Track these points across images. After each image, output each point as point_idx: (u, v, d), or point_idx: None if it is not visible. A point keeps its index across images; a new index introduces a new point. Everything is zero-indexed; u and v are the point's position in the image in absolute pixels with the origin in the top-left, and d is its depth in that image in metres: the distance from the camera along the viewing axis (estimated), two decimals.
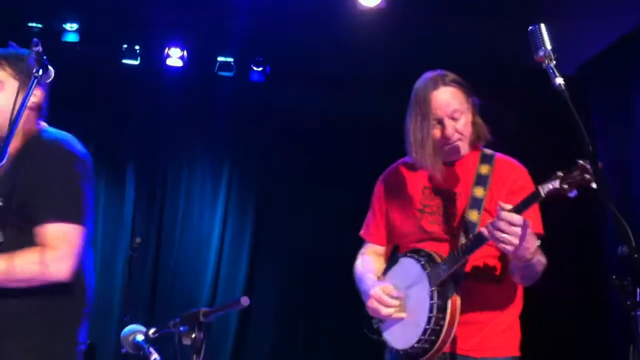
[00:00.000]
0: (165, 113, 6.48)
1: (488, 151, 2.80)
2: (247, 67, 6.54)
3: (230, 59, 6.50)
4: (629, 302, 1.75)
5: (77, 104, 6.26)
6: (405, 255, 2.72)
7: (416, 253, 2.67)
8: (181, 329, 1.94)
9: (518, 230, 2.28)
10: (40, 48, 2.23)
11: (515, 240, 2.28)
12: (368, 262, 2.92)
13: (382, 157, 3.10)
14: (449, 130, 2.66)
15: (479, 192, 2.69)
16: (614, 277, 1.79)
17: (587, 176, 2.15)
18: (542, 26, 2.23)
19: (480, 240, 2.46)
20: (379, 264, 2.90)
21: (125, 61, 6.29)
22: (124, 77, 6.38)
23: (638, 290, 1.75)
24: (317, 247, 6.38)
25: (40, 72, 2.23)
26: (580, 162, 2.17)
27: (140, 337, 2.24)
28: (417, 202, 2.78)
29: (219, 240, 6.51)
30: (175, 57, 6.38)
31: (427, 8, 4.98)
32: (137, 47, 6.29)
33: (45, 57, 2.26)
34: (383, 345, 2.79)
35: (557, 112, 2.13)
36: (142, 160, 6.50)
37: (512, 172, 2.74)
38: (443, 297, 2.52)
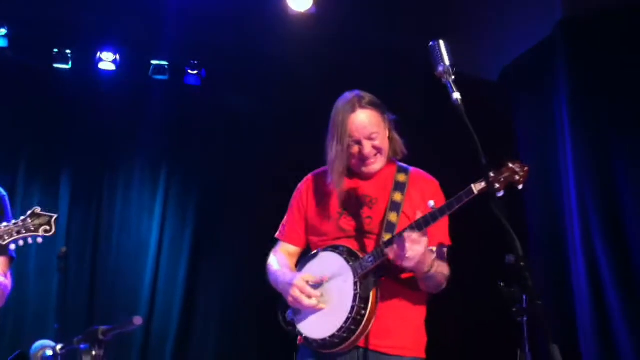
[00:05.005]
0: (100, 117, 6.39)
1: (403, 165, 2.99)
2: (182, 70, 6.51)
3: (164, 63, 6.46)
4: (515, 309, 1.84)
5: (8, 110, 6.16)
6: (325, 249, 2.88)
7: (336, 248, 2.84)
8: (81, 346, 1.95)
9: (416, 247, 2.51)
10: None
11: (410, 263, 2.53)
12: (282, 259, 3.05)
13: (318, 157, 3.22)
14: (367, 150, 2.83)
15: (397, 196, 2.87)
16: (501, 284, 1.88)
17: (517, 177, 2.39)
18: (441, 42, 2.31)
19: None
20: (292, 263, 3.05)
21: (56, 65, 6.20)
22: (56, 82, 6.27)
23: (524, 297, 1.84)
24: (257, 249, 6.34)
25: None
26: (510, 164, 2.40)
27: (49, 353, 2.24)
28: (336, 204, 2.93)
29: (157, 245, 6.46)
30: (107, 60, 6.30)
31: (356, 14, 5.05)
32: (68, 51, 6.19)
33: None
34: (295, 337, 2.89)
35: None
36: (76, 166, 6.39)
37: (426, 181, 2.96)
38: (365, 289, 2.69)
